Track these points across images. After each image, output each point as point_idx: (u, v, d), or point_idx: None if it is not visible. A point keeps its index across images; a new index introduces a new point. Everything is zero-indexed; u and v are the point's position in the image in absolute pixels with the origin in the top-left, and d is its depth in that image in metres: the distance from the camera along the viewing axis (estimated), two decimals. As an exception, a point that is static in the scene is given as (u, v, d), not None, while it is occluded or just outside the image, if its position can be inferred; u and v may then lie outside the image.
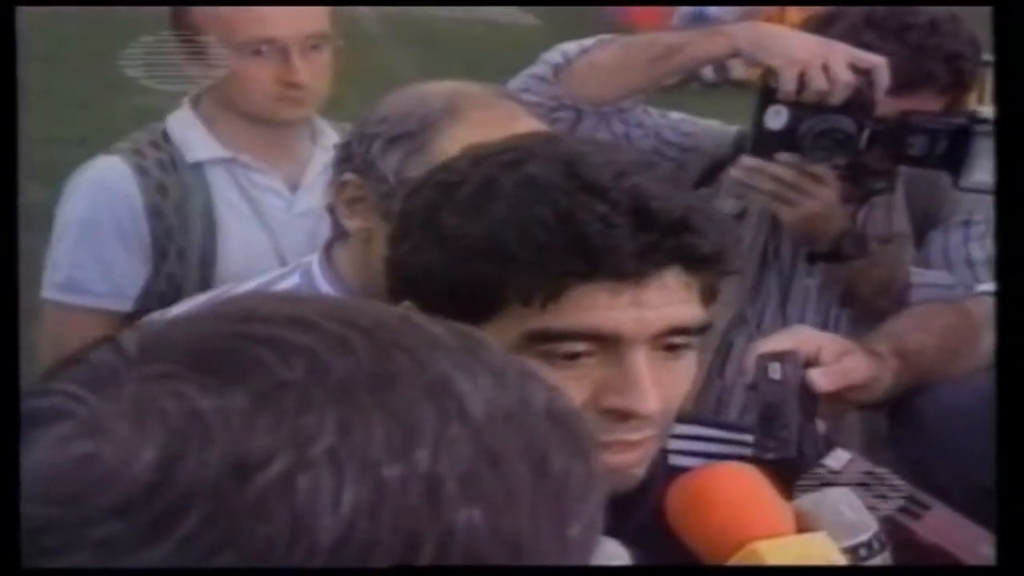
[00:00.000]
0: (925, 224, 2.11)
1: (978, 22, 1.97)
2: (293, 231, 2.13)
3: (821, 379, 1.44)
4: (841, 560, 1.04)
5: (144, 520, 0.53)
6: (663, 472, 1.15)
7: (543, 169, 1.07)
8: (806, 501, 1.10)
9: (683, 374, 1.12)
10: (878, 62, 1.90)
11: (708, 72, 8.74)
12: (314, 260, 1.64)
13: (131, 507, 0.53)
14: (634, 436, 1.09)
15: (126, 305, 2.14)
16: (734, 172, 2.03)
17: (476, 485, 0.56)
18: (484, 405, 0.58)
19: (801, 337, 1.50)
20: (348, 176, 1.57)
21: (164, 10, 2.13)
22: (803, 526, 1.07)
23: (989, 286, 1.75)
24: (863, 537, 1.10)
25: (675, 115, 2.16)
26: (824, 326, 2.05)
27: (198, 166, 2.16)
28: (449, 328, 0.62)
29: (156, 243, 2.13)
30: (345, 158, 1.58)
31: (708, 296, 1.11)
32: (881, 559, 1.10)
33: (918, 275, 2.05)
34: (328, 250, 1.64)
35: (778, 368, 1.40)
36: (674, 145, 2.11)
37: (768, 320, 2.12)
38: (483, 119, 1.48)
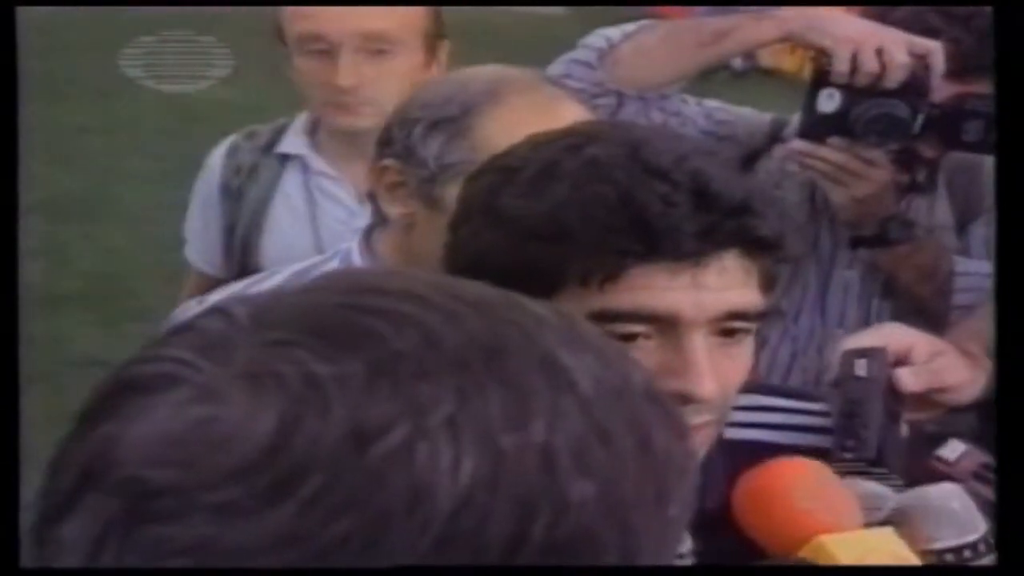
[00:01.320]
0: (966, 216, 2.08)
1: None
2: (345, 243, 2.03)
3: (909, 379, 1.41)
4: (907, 554, 1.02)
5: (263, 484, 0.53)
6: (722, 456, 1.14)
7: (605, 151, 1.08)
8: (913, 496, 1.09)
9: (741, 360, 1.12)
10: (933, 47, 1.86)
11: (737, 60, 8.68)
12: (354, 246, 1.63)
13: (250, 471, 0.53)
14: (692, 421, 1.08)
15: (217, 272, 2.21)
16: (781, 152, 2.01)
17: (588, 459, 0.56)
18: (591, 380, 0.58)
19: (892, 334, 1.47)
20: (388, 162, 1.55)
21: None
22: (908, 520, 1.06)
23: None
24: (971, 538, 1.08)
25: (711, 103, 2.13)
26: (866, 319, 2.03)
27: (283, 157, 2.18)
28: (548, 307, 0.62)
29: (225, 219, 2.19)
30: (385, 143, 1.57)
31: (767, 283, 1.11)
32: (987, 562, 1.07)
33: (961, 263, 2.01)
34: (368, 236, 1.63)
35: (864, 365, 1.37)
36: (711, 134, 2.08)
37: (806, 313, 2.09)
38: (525, 103, 1.47)
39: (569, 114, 1.41)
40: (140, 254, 5.32)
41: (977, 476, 1.22)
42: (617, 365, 0.61)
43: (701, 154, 1.10)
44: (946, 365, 1.46)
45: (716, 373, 1.08)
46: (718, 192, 1.05)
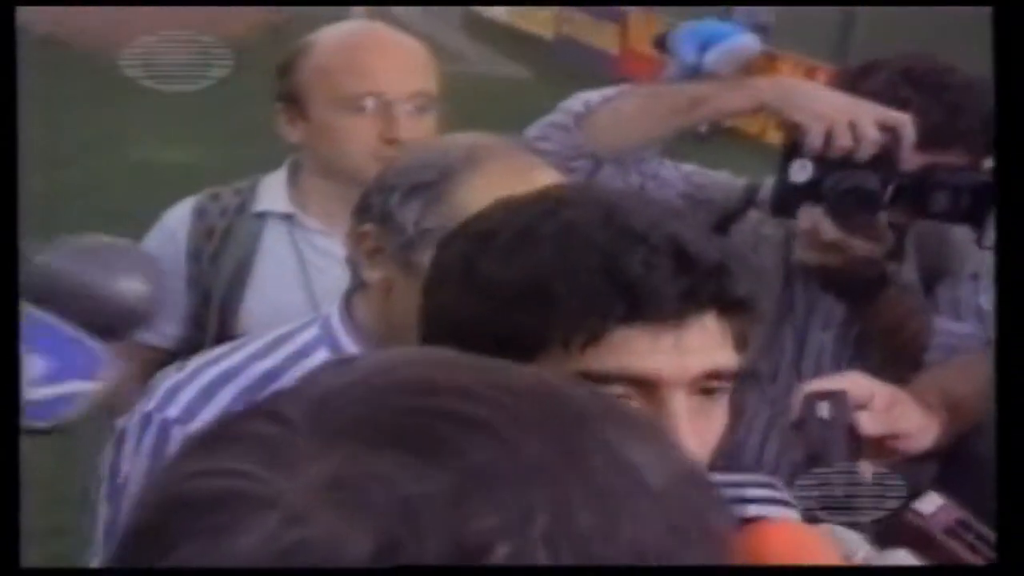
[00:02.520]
0: (933, 277, 2.10)
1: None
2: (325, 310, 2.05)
3: (869, 423, 1.44)
4: None
5: None
6: None
7: (581, 215, 1.09)
8: (869, 560, 1.09)
9: (718, 419, 1.13)
10: (903, 120, 1.90)
11: (702, 124, 8.73)
12: (333, 311, 1.62)
13: None
14: None
15: (165, 342, 2.17)
16: (755, 216, 2.04)
17: (670, 560, 0.54)
18: (657, 475, 0.56)
19: (854, 381, 1.50)
20: (367, 227, 1.55)
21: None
22: None
23: None
24: None
25: (687, 167, 2.16)
26: None
27: (261, 216, 2.17)
28: (580, 387, 0.60)
29: (191, 286, 2.14)
30: (364, 209, 1.57)
31: (741, 343, 1.12)
32: None
33: (937, 322, 2.02)
34: (348, 301, 1.62)
35: (827, 407, 1.39)
36: (689, 197, 2.10)
37: (782, 375, 2.10)
38: (502, 169, 1.47)
39: (545, 180, 1.41)
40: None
41: (950, 532, 1.22)
42: (665, 448, 0.58)
43: (673, 217, 1.11)
44: (904, 413, 1.50)
45: (696, 434, 1.09)
46: (695, 254, 1.07)
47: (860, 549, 1.10)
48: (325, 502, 0.52)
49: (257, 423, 0.56)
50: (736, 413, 2.00)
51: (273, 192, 2.18)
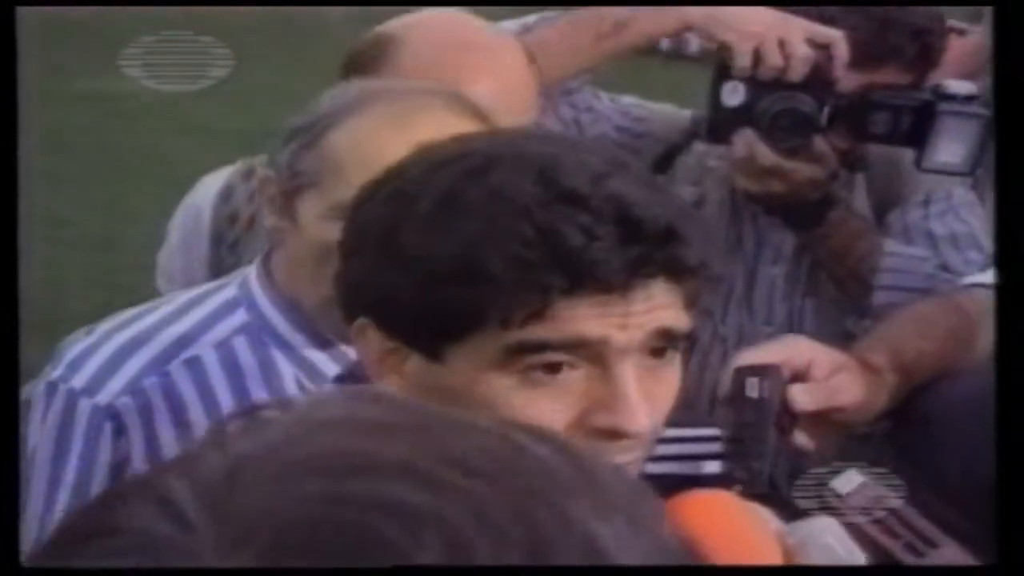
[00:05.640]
0: (883, 205, 2.05)
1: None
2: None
3: (804, 397, 1.37)
4: None
5: None
6: None
7: (511, 178, 0.99)
8: (791, 533, 1.02)
9: (670, 383, 1.06)
10: (836, 36, 1.83)
11: (664, 44, 8.67)
12: (252, 269, 1.53)
13: None
14: (624, 458, 1.02)
15: None
16: (700, 148, 1.98)
17: None
18: (633, 560, 0.47)
19: (793, 348, 1.43)
20: (264, 171, 1.47)
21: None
22: (788, 560, 1.00)
23: (978, 278, 1.70)
24: None
25: (627, 99, 2.08)
26: (791, 316, 2.00)
27: None
28: (555, 447, 0.50)
29: (212, 269, 1.96)
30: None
31: (690, 302, 1.05)
32: None
33: (889, 244, 1.97)
34: (266, 258, 1.53)
35: (756, 384, 1.31)
36: (626, 131, 2.03)
37: (733, 312, 2.05)
38: (381, 114, 1.37)
39: (432, 124, 1.29)
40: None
41: (868, 514, 1.16)
42: (648, 525, 0.50)
43: (615, 169, 1.01)
44: (844, 383, 1.41)
45: (647, 404, 1.02)
46: (642, 218, 0.98)
47: (771, 522, 1.04)
48: None
49: (143, 512, 0.46)
50: (690, 350, 2.00)
51: None
